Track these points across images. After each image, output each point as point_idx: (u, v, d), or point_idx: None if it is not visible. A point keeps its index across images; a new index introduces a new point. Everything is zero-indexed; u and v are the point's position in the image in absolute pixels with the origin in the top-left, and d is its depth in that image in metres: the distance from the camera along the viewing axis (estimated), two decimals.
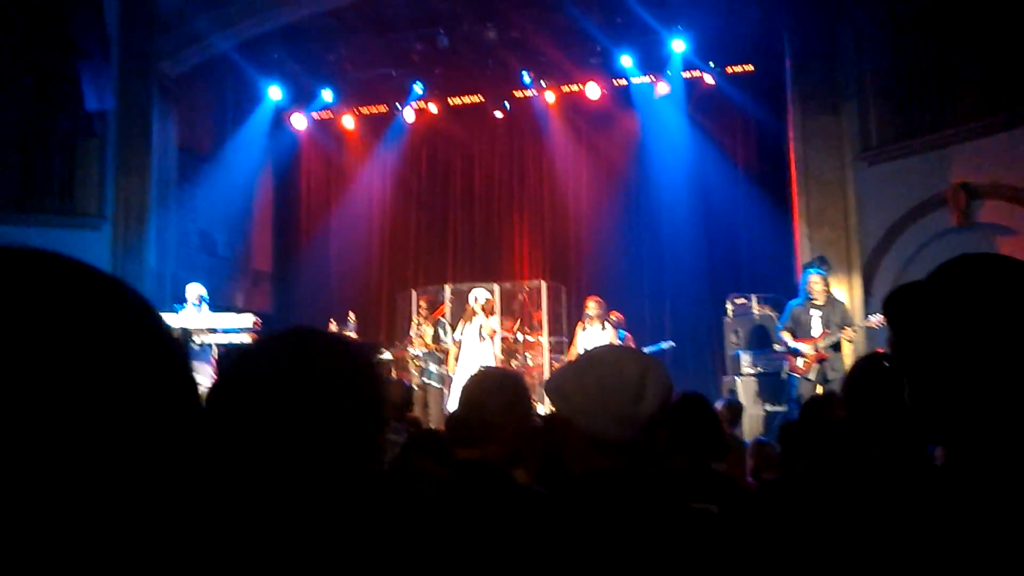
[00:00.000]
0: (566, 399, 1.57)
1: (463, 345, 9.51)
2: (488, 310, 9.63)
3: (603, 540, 1.47)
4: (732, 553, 1.52)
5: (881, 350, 2.67)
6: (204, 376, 8.07)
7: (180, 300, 9.61)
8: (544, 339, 10.48)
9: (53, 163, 10.59)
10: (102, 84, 9.99)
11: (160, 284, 10.79)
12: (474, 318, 9.53)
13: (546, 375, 10.18)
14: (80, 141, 10.59)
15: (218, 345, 8.53)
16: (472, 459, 2.18)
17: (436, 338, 9.81)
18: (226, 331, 8.29)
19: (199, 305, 9.19)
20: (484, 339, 9.44)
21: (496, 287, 11.01)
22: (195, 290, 9.34)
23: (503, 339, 10.28)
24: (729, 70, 12.09)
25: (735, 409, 6.02)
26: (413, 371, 9.82)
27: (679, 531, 1.50)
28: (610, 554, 1.45)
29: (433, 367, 9.66)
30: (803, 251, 10.00)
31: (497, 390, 2.24)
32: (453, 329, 9.87)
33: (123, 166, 10.82)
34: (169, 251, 11.11)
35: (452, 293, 10.99)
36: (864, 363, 2.14)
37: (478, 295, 9.77)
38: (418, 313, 10.33)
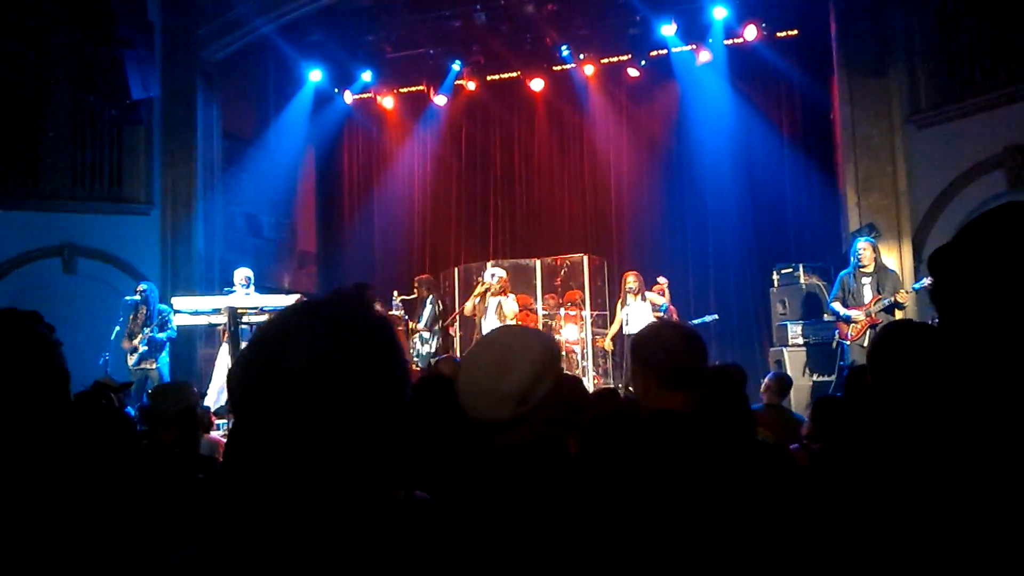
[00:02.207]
0: (457, 388, 1.61)
1: (484, 325, 9.59)
2: (504, 290, 9.64)
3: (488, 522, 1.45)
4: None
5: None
6: None
7: (229, 283, 9.81)
8: (586, 313, 10.46)
9: (101, 152, 10.84)
10: (147, 73, 10.16)
11: (208, 267, 11.02)
12: (490, 298, 9.57)
13: (588, 350, 10.18)
14: (127, 129, 10.81)
15: None
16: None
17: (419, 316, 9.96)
18: (273, 310, 8.41)
19: (247, 287, 9.37)
20: (506, 320, 9.51)
21: (538, 262, 11.00)
22: (242, 273, 9.54)
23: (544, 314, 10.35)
24: (773, 35, 11.81)
25: (784, 382, 5.91)
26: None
27: (558, 512, 1.47)
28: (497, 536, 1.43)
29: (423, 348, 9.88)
30: (851, 218, 9.79)
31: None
32: (462, 305, 10.05)
33: (169, 153, 11.04)
34: (216, 235, 11.32)
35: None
36: (888, 329, 2.08)
37: (494, 272, 9.79)
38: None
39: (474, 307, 9.74)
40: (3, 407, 0.78)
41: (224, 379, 8.35)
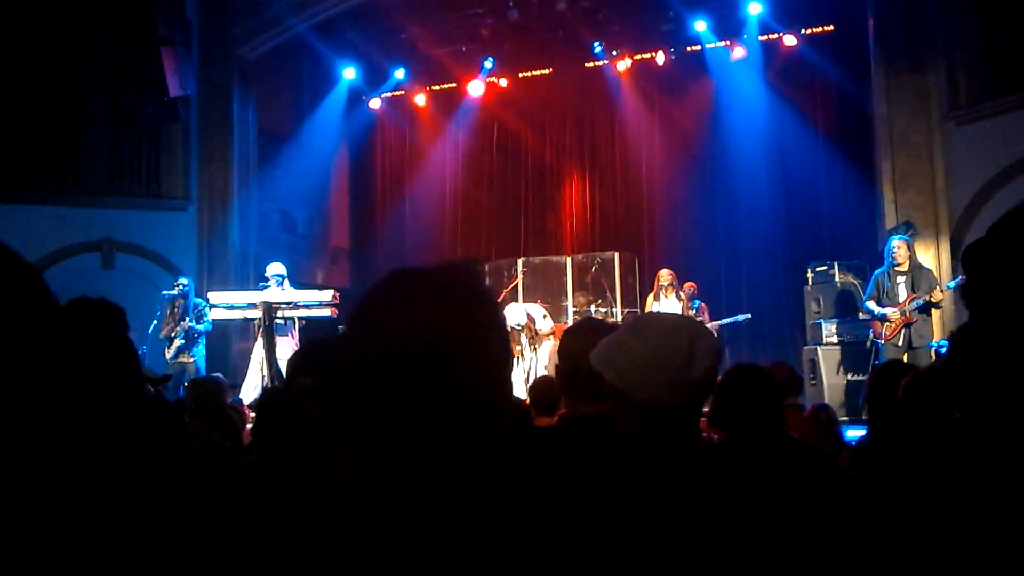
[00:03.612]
0: (615, 368, 1.57)
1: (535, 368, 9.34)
2: (532, 337, 9.30)
3: (660, 506, 1.48)
4: (794, 524, 1.51)
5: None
6: (286, 348, 8.35)
7: (263, 278, 9.93)
8: (617, 311, 10.43)
9: (139, 149, 11.02)
10: (184, 70, 10.31)
11: (244, 262, 11.16)
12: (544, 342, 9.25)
13: None
14: (164, 127, 10.98)
15: (299, 319, 8.81)
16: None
17: None
18: (307, 305, 8.52)
19: (281, 282, 9.48)
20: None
21: (568, 259, 10.99)
22: (276, 268, 9.65)
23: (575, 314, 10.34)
24: (808, 31, 11.69)
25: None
26: None
27: (740, 498, 1.50)
28: (669, 519, 1.46)
29: None
30: (888, 216, 9.67)
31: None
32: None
33: (206, 150, 11.19)
34: (251, 231, 11.46)
35: (524, 266, 11.00)
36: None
37: (518, 321, 9.25)
38: None
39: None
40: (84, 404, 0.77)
41: (258, 373, 8.47)
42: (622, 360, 1.57)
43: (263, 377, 8.23)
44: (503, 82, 13.24)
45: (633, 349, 1.57)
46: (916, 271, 7.96)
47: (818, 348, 9.09)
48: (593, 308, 10.36)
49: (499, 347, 0.94)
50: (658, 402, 1.54)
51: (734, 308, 10.86)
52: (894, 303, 7.85)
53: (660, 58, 12.18)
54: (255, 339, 8.89)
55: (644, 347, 1.56)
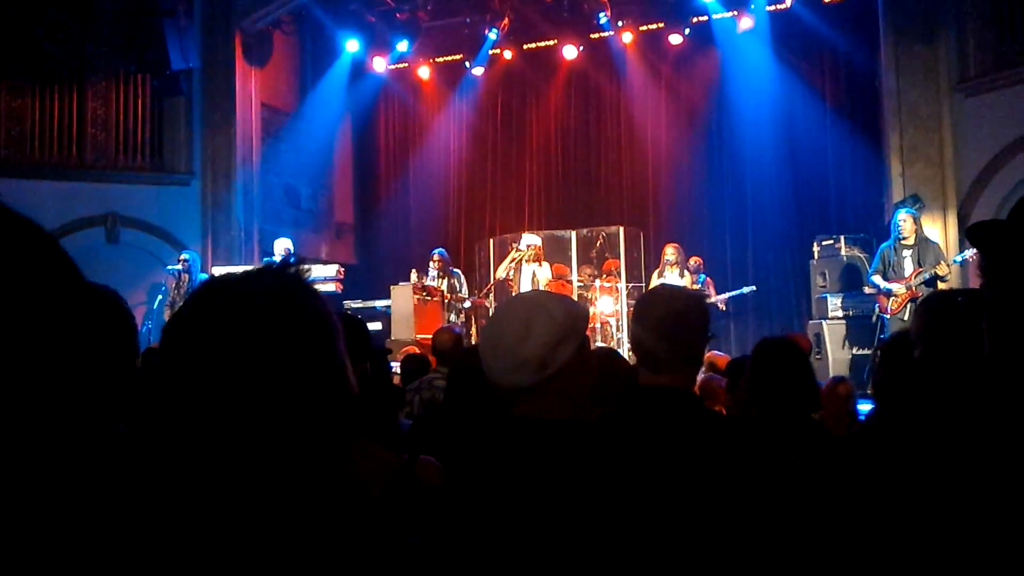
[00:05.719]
0: (480, 353, 1.58)
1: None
2: (537, 258, 9.81)
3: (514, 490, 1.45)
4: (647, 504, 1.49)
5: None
6: None
7: (267, 253, 9.94)
8: (622, 285, 10.42)
9: (143, 122, 10.97)
10: (186, 43, 10.25)
11: (248, 237, 11.15)
12: (524, 265, 9.70)
13: (623, 322, 10.17)
14: (167, 100, 10.92)
15: None
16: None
17: (452, 289, 9.94)
18: (314, 281, 8.52)
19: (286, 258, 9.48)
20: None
21: (573, 233, 10.96)
22: (282, 244, 9.66)
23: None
24: (817, 1, 11.54)
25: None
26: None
27: (585, 479, 1.44)
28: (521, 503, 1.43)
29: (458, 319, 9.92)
30: (895, 189, 9.61)
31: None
32: (494, 270, 10.33)
33: (209, 123, 11.14)
34: (255, 205, 11.43)
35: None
36: (935, 302, 2.02)
37: (529, 241, 9.94)
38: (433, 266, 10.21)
39: (507, 273, 9.80)
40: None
41: None
42: (481, 344, 1.60)
43: None
44: (507, 54, 13.11)
45: (484, 334, 1.61)
46: (922, 245, 7.94)
47: (823, 322, 9.08)
48: (598, 282, 10.33)
49: (323, 343, 0.95)
50: (500, 383, 1.51)
51: (739, 282, 10.83)
52: (900, 277, 7.85)
53: (674, 39, 11.99)
54: None
55: (489, 329, 1.58)
